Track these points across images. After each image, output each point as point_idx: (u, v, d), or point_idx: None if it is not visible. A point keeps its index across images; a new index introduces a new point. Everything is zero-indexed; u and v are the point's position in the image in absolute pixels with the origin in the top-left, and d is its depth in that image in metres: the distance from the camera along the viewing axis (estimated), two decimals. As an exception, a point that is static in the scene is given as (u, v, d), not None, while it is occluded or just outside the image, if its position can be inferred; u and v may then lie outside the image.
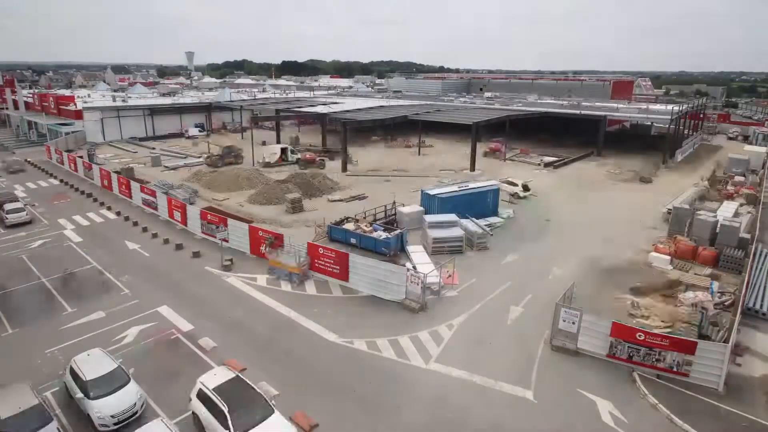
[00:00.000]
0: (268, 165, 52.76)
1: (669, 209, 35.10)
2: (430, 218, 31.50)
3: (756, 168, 54.43)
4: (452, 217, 31.31)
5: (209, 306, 23.89)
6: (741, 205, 38.89)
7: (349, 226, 31.03)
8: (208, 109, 79.71)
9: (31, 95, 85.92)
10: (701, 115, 76.36)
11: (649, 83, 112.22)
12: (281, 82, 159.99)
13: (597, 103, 71.66)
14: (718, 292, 24.21)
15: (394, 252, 28.70)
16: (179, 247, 30.90)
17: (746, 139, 77.57)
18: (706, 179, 48.12)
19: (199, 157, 56.96)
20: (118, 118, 66.95)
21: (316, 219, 34.28)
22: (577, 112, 63.37)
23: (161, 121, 72.94)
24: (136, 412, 16.09)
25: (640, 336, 18.48)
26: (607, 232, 33.54)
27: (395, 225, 33.06)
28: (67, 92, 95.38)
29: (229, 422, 14.44)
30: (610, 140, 62.67)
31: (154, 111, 73.80)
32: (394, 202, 37.01)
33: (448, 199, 33.96)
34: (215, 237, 31.09)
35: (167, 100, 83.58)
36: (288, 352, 20.14)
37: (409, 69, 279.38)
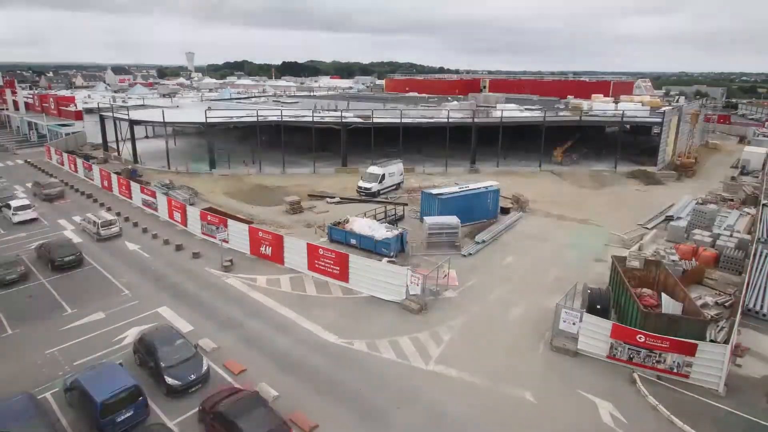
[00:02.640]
0: None
1: (668, 216, 35.37)
2: (430, 220, 31.37)
3: (756, 169, 54.49)
4: (454, 219, 31.16)
5: (209, 307, 23.89)
6: (742, 205, 38.90)
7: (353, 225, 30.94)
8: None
9: (31, 96, 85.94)
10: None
11: (649, 84, 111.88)
12: (281, 83, 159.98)
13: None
14: (718, 293, 24.21)
15: (395, 253, 28.63)
16: (179, 247, 30.90)
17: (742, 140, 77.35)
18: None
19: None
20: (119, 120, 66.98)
21: (316, 220, 34.31)
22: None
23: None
24: None
25: (640, 338, 18.47)
26: (607, 236, 33.58)
27: (396, 225, 33.01)
28: (67, 93, 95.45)
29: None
30: (610, 143, 62.61)
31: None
32: (395, 205, 37.06)
33: (449, 200, 33.93)
34: (215, 238, 31.10)
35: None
36: (288, 353, 20.13)
37: (410, 70, 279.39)
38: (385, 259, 27.43)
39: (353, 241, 30.03)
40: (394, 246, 28.91)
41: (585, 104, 66.02)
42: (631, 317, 20.25)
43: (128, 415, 15.62)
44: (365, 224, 30.53)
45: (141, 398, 16.05)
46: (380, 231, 29.71)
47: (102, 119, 60.86)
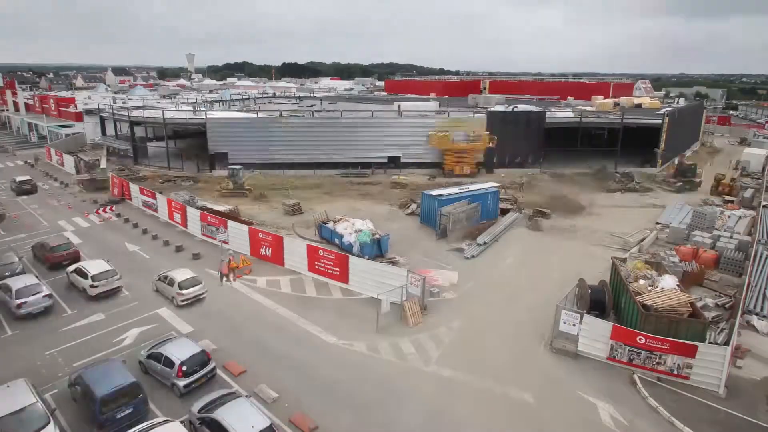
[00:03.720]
0: None
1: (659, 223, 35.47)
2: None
3: (756, 171, 54.49)
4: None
5: (209, 308, 23.87)
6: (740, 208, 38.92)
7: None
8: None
9: (31, 97, 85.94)
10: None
11: (649, 85, 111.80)
12: (281, 84, 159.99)
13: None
14: (718, 295, 24.20)
15: (369, 256, 27.97)
16: (179, 249, 30.89)
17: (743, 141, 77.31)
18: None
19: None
20: (119, 122, 67.08)
21: (315, 218, 34.26)
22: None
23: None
24: None
25: (640, 339, 18.46)
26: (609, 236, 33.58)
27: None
28: (67, 94, 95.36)
29: None
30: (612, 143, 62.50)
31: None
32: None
33: (449, 201, 33.96)
34: (215, 239, 31.08)
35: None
36: (288, 355, 20.11)
37: (410, 71, 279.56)
38: (383, 260, 27.38)
39: (336, 241, 29.97)
40: (369, 250, 28.45)
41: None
42: (631, 318, 20.25)
43: (128, 411, 15.82)
44: (346, 225, 30.31)
45: (141, 395, 16.20)
46: (358, 233, 29.22)
47: (102, 120, 60.97)
